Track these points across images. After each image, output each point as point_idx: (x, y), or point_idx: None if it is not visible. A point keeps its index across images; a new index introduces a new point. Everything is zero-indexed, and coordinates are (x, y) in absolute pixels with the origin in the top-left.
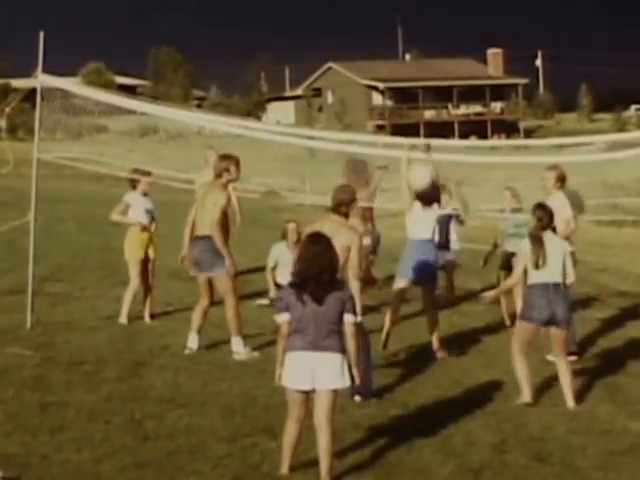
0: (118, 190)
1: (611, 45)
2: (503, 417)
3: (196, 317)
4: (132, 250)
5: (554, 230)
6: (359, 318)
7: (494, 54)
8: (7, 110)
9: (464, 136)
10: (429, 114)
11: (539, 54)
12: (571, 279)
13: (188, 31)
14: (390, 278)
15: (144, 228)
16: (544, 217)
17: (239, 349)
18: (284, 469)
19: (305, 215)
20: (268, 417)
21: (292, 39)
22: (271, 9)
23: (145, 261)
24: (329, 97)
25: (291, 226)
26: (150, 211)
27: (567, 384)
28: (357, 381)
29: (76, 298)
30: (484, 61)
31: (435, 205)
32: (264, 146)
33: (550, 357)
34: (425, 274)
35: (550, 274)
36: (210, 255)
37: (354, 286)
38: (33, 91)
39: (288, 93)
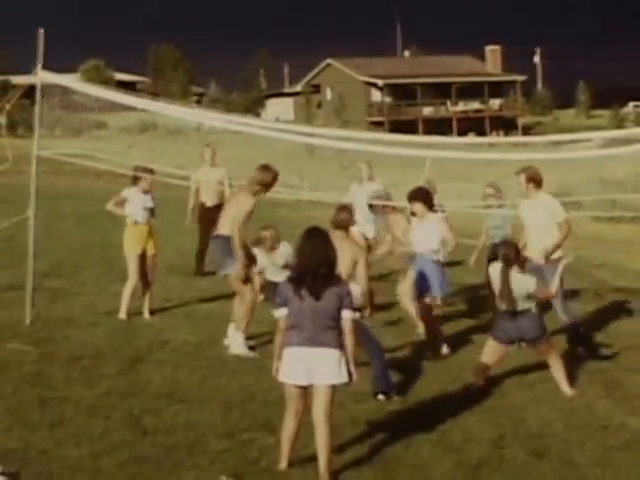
0: (117, 186)
1: (609, 42)
2: (501, 413)
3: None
4: (130, 245)
5: (523, 265)
6: (357, 314)
7: (492, 51)
8: (7, 107)
9: (462, 133)
10: (427, 111)
11: (537, 51)
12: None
13: (187, 28)
14: None
15: (136, 223)
16: (510, 253)
17: (238, 345)
18: (283, 464)
19: (303, 211)
20: (266, 412)
21: (291, 36)
22: (270, 5)
23: (143, 257)
24: (328, 93)
25: (268, 234)
26: (149, 209)
27: (560, 376)
28: (354, 377)
29: (75, 294)
30: (482, 58)
31: (431, 215)
32: (263, 143)
33: None
34: (434, 286)
35: (517, 304)
36: (223, 254)
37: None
38: (33, 88)
39: (287, 89)
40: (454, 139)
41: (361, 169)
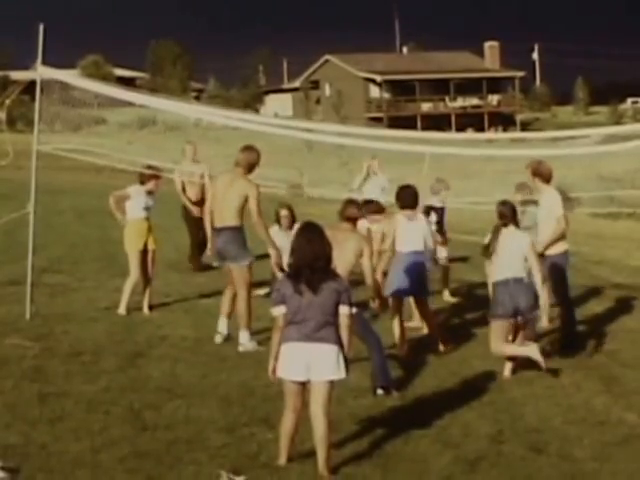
0: (117, 181)
1: (607, 38)
2: (500, 408)
3: (226, 302)
4: (131, 241)
5: (517, 225)
6: (354, 310)
7: (491, 47)
8: (7, 102)
9: (461, 128)
10: (426, 106)
11: (536, 47)
12: (537, 275)
13: (187, 23)
14: None
15: (136, 219)
16: (507, 212)
17: (245, 341)
18: (282, 459)
19: (303, 207)
20: (266, 408)
21: (290, 32)
22: (269, 2)
23: (144, 252)
24: (327, 89)
25: (283, 212)
26: (149, 208)
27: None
28: (347, 374)
29: (75, 289)
30: (481, 54)
31: (419, 214)
32: (262, 138)
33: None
34: (415, 286)
35: (509, 269)
36: (235, 246)
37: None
38: (32, 83)
39: (286, 85)
40: (452, 135)
41: (371, 165)
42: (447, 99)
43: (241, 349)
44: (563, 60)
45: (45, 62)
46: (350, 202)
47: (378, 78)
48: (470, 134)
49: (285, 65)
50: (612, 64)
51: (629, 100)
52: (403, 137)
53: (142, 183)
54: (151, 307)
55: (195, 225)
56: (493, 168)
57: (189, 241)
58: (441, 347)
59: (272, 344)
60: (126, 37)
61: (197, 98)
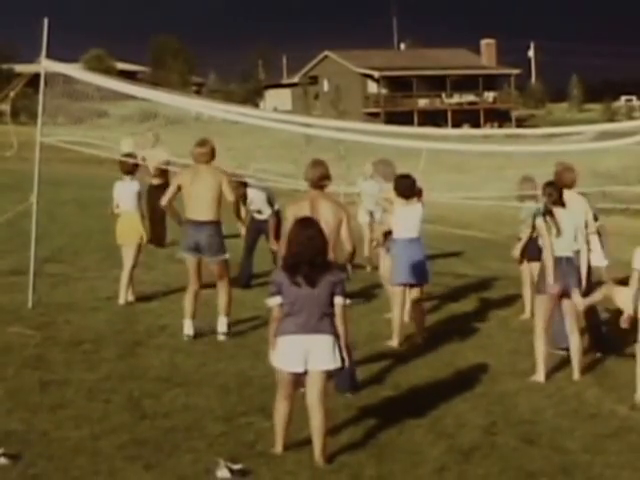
0: (118, 174)
1: (602, 37)
2: (493, 399)
3: (189, 304)
4: (130, 235)
5: (563, 205)
6: (348, 301)
7: (487, 45)
8: (11, 95)
9: (457, 124)
10: (423, 102)
11: (531, 45)
12: (583, 251)
13: (187, 18)
14: None
15: (128, 212)
16: (553, 193)
17: (224, 329)
18: (278, 448)
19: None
20: (263, 397)
21: (290, 27)
22: None
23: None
24: (325, 85)
25: None
26: (136, 193)
27: (577, 358)
28: (347, 363)
29: (76, 279)
30: (477, 51)
31: (416, 201)
32: (262, 133)
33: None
34: (416, 275)
35: (563, 248)
36: (218, 240)
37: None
38: (36, 76)
39: (285, 81)
40: (449, 130)
41: (367, 168)
42: (444, 95)
43: (221, 338)
44: (558, 58)
45: (49, 56)
46: (317, 163)
47: (376, 74)
48: (466, 130)
49: (285, 60)
50: (606, 62)
51: (622, 98)
52: (400, 133)
53: (128, 173)
54: (150, 297)
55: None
56: (488, 164)
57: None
58: (420, 338)
59: (270, 334)
60: (128, 31)
61: (197, 92)
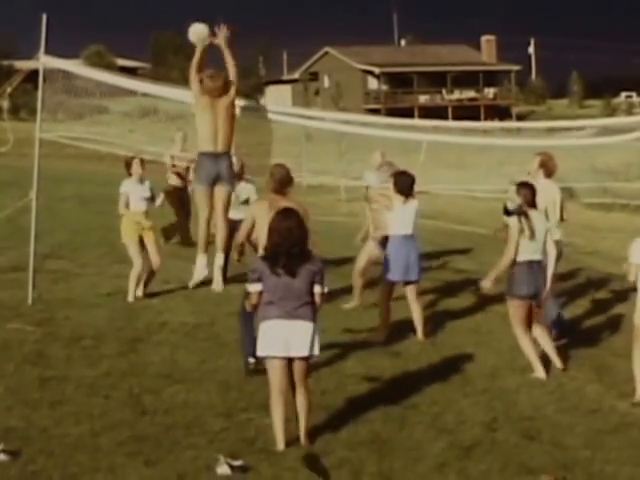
0: (118, 170)
1: (602, 33)
2: (494, 396)
3: (203, 234)
4: (128, 233)
5: (535, 207)
6: (326, 289)
7: (488, 41)
8: (9, 90)
9: (457, 120)
10: (423, 99)
11: (532, 41)
12: (553, 255)
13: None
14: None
15: (138, 214)
16: (527, 194)
17: (220, 263)
18: (280, 445)
19: (302, 195)
20: (264, 393)
21: (290, 23)
22: None
23: (142, 242)
24: (325, 81)
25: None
26: (147, 198)
27: (551, 351)
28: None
29: (76, 275)
30: (478, 48)
31: (413, 199)
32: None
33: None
34: (412, 272)
35: (535, 251)
36: (232, 172)
37: None
38: (35, 72)
39: (285, 77)
40: (449, 122)
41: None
42: (444, 92)
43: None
44: (558, 54)
45: (48, 52)
46: (279, 169)
47: (376, 70)
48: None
49: (285, 57)
50: (606, 59)
51: (623, 94)
52: (401, 125)
53: (130, 174)
54: (151, 294)
55: (179, 200)
56: (488, 159)
57: (176, 219)
58: (420, 335)
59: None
60: (128, 28)
61: None
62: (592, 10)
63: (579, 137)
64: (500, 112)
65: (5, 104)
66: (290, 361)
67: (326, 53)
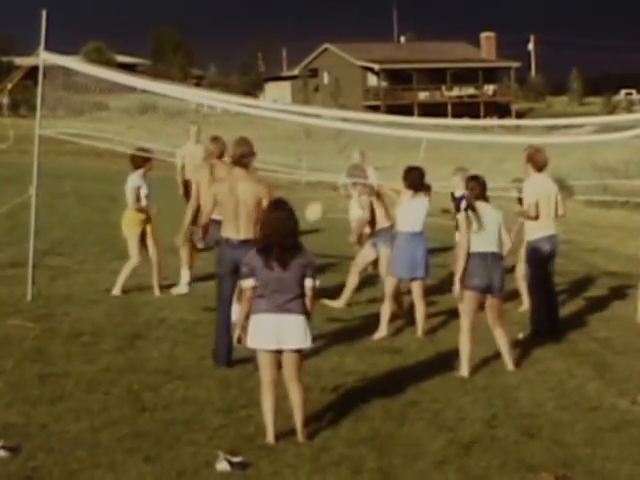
0: (117, 166)
1: (602, 30)
2: (494, 393)
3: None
4: (129, 228)
5: (486, 200)
6: (318, 282)
7: (487, 38)
8: (8, 87)
9: (457, 117)
10: (423, 95)
11: (531, 38)
12: (507, 247)
13: (187, 11)
14: None
15: (142, 209)
16: (476, 187)
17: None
18: (270, 437)
19: (301, 192)
20: None
21: (290, 20)
22: None
23: (143, 237)
24: (325, 77)
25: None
26: (148, 195)
27: (506, 350)
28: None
29: (75, 271)
30: (477, 44)
31: (424, 195)
32: (262, 125)
33: (521, 335)
34: (417, 268)
35: (488, 243)
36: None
37: None
38: (35, 68)
39: (285, 73)
40: (449, 120)
41: (353, 157)
42: (444, 88)
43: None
44: (558, 51)
45: (48, 48)
46: (241, 141)
47: (376, 67)
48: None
49: (284, 53)
50: (606, 56)
51: (622, 91)
52: (400, 122)
53: (138, 167)
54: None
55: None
56: (488, 157)
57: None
58: (420, 332)
59: (240, 314)
60: (128, 24)
61: (197, 85)
62: (592, 7)
63: (579, 134)
64: (499, 109)
65: (5, 101)
66: (281, 354)
67: (326, 50)
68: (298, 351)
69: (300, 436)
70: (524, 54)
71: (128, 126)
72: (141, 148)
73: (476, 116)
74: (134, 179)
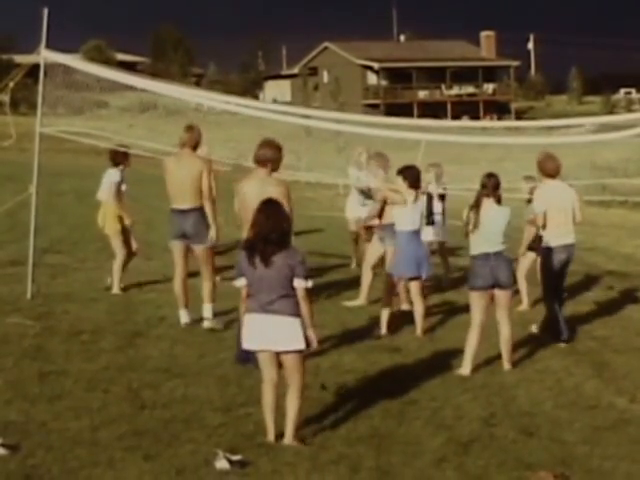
0: (127, 168)
1: (602, 29)
2: (492, 391)
3: (180, 292)
4: (110, 223)
5: (499, 201)
6: (309, 283)
7: (487, 36)
8: (10, 85)
9: (456, 116)
10: (423, 94)
11: (531, 37)
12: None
13: (187, 9)
14: None
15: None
16: (487, 184)
17: (210, 315)
18: (270, 435)
19: (300, 191)
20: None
21: (289, 18)
22: None
23: (124, 231)
24: (325, 76)
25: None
26: (124, 188)
27: (506, 349)
28: (314, 345)
29: (75, 269)
30: (477, 43)
31: (420, 194)
32: (262, 124)
33: (534, 329)
34: (417, 267)
35: (490, 244)
36: (204, 227)
37: None
38: (36, 67)
39: (285, 72)
40: (448, 122)
41: (360, 154)
42: (443, 87)
43: (206, 324)
44: (558, 50)
45: (48, 46)
46: (190, 127)
47: (376, 65)
48: (466, 122)
49: (284, 52)
50: (606, 55)
51: (622, 90)
52: (399, 124)
53: (117, 164)
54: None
55: None
56: (487, 156)
57: None
58: (419, 331)
59: (240, 315)
60: (128, 22)
61: (197, 83)
62: (592, 6)
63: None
64: (499, 108)
65: (7, 99)
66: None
67: (325, 48)
68: (291, 352)
69: (288, 439)
70: (524, 53)
71: (128, 124)
72: (121, 144)
73: (476, 115)
74: (114, 174)
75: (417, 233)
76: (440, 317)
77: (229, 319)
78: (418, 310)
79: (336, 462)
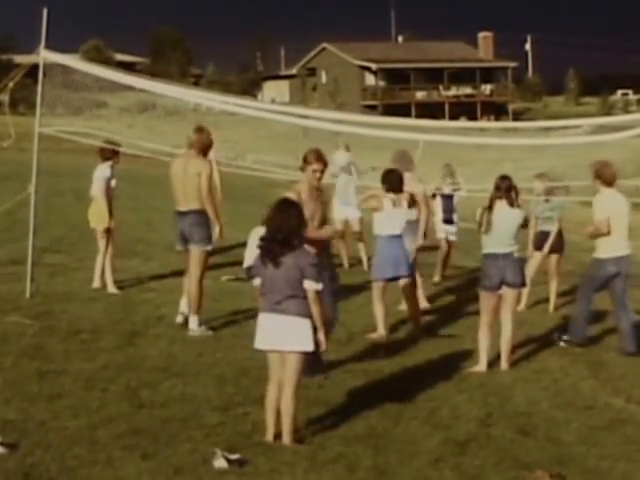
0: (116, 165)
1: (599, 31)
2: (489, 391)
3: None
4: (100, 219)
5: (512, 204)
6: (320, 285)
7: (485, 37)
8: (10, 85)
9: (454, 117)
10: (420, 95)
11: (528, 38)
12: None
13: (187, 10)
14: None
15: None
16: (501, 186)
17: (194, 327)
18: (269, 435)
19: None
20: (260, 388)
21: (288, 19)
22: None
23: (109, 229)
24: (323, 77)
25: None
26: (114, 185)
27: (505, 349)
28: (323, 347)
29: (74, 269)
30: (475, 44)
31: (403, 199)
32: (260, 124)
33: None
34: (397, 269)
35: (501, 245)
36: (202, 229)
37: None
38: (35, 67)
39: (283, 72)
40: (446, 123)
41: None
42: (441, 88)
43: (191, 334)
44: (555, 51)
45: (48, 46)
46: (200, 129)
47: (374, 66)
48: (464, 122)
49: (283, 52)
50: (603, 56)
51: (619, 92)
52: (397, 125)
53: (106, 159)
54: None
55: None
56: (485, 156)
57: None
58: (416, 330)
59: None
60: (127, 23)
61: (196, 83)
62: (589, 7)
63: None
64: (496, 109)
65: (6, 99)
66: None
67: (324, 49)
68: (296, 353)
69: (286, 441)
70: (521, 54)
71: (127, 124)
72: (110, 141)
73: (473, 116)
74: (104, 170)
75: (397, 237)
76: (438, 317)
77: (228, 320)
78: (411, 310)
79: (334, 461)
